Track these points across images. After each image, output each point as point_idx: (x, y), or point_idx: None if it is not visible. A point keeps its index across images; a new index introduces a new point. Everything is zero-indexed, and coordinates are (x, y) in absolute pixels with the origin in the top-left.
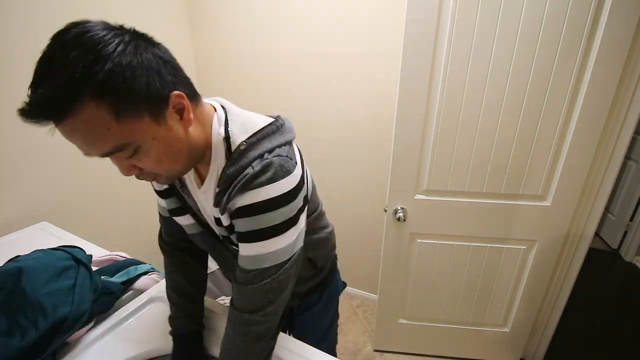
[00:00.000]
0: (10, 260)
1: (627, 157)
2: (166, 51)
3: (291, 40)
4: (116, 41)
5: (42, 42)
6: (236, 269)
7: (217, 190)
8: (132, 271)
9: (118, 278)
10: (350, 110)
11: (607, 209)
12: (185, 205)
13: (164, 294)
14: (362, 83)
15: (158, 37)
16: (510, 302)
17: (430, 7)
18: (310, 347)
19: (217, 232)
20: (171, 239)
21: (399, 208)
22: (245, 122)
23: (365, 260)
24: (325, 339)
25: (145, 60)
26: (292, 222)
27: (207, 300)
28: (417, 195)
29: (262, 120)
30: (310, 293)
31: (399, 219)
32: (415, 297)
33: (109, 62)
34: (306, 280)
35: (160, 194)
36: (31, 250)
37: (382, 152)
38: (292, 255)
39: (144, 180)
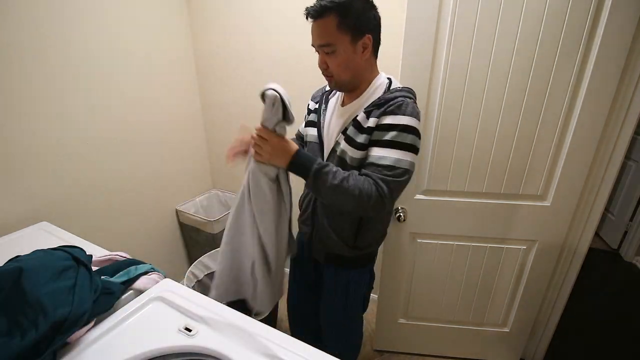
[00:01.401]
0: (10, 260)
1: (627, 157)
2: (378, 16)
3: (291, 40)
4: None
5: (43, 42)
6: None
7: (368, 107)
8: (132, 271)
9: (118, 278)
10: None
11: (607, 209)
12: (318, 122)
13: (164, 294)
14: None
15: (158, 36)
16: (510, 302)
17: (430, 7)
18: (311, 347)
19: (329, 144)
20: None
21: (399, 208)
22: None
23: None
24: (344, 322)
25: (366, 12)
26: (414, 149)
27: (211, 302)
28: (417, 195)
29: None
30: (339, 262)
31: (399, 219)
32: (415, 297)
33: (356, 6)
34: (343, 244)
35: (309, 111)
36: (31, 250)
37: None
38: (401, 170)
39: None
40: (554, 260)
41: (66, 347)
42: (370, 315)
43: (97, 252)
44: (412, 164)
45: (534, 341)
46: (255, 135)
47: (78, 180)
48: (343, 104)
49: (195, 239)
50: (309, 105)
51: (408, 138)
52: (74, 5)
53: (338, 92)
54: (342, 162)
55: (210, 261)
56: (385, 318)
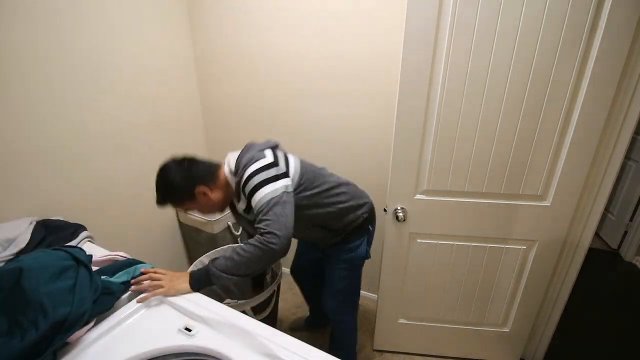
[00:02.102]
0: (10, 260)
1: (627, 157)
2: (196, 163)
3: (291, 40)
4: (177, 176)
5: (43, 43)
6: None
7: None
8: (132, 271)
9: (118, 278)
10: (350, 110)
11: (607, 209)
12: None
13: None
14: (362, 82)
15: (158, 37)
16: (510, 302)
17: (430, 7)
18: (310, 347)
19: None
20: None
21: (398, 208)
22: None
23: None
24: (342, 292)
25: (184, 179)
26: (263, 184)
27: (211, 302)
28: (417, 195)
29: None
30: (333, 245)
31: (398, 219)
32: (415, 297)
33: (170, 192)
34: (325, 238)
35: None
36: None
37: (382, 152)
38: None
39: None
40: (554, 260)
41: (66, 347)
42: (370, 315)
43: (97, 252)
44: (274, 191)
45: (534, 341)
46: (150, 275)
47: (78, 180)
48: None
49: (195, 239)
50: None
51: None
52: (74, 5)
53: None
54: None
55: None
56: (385, 318)
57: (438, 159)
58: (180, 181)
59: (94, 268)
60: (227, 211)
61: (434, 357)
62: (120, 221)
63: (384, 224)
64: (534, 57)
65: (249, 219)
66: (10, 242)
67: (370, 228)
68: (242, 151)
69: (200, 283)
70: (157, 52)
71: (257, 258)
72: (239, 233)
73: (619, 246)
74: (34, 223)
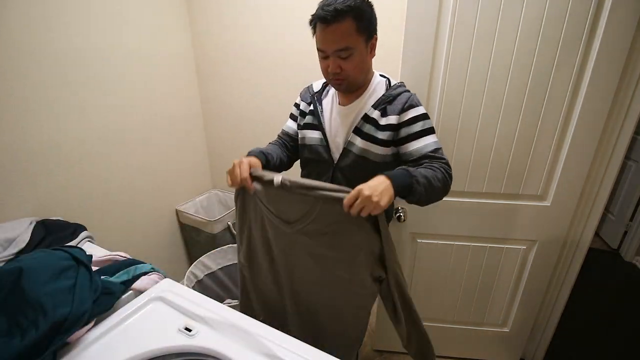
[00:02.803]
0: (10, 260)
1: (627, 157)
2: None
3: (291, 39)
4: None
5: (43, 42)
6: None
7: (376, 104)
8: (132, 271)
9: (118, 278)
10: None
11: (607, 209)
12: (319, 124)
13: (164, 294)
14: None
15: (158, 36)
16: (510, 302)
17: (430, 7)
18: (311, 347)
19: (337, 144)
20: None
21: (399, 208)
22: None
23: None
24: None
25: (373, 14)
26: (434, 130)
27: (210, 302)
28: None
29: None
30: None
31: (399, 219)
32: (415, 297)
33: (367, 9)
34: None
35: (303, 113)
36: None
37: None
38: (441, 148)
39: (337, 78)
40: (553, 260)
41: (66, 347)
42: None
43: (97, 252)
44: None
45: (534, 341)
46: (361, 194)
47: (78, 180)
48: (342, 104)
49: (195, 239)
50: (299, 105)
51: (430, 123)
52: (74, 5)
53: (331, 92)
54: (363, 160)
55: (210, 261)
56: (385, 318)
57: None
58: (370, 10)
59: (94, 268)
60: (226, 211)
61: None
62: (120, 221)
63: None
64: (534, 57)
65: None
66: (10, 242)
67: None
68: (402, 84)
69: (403, 193)
70: (157, 52)
71: (442, 189)
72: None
73: (619, 246)
74: (34, 223)
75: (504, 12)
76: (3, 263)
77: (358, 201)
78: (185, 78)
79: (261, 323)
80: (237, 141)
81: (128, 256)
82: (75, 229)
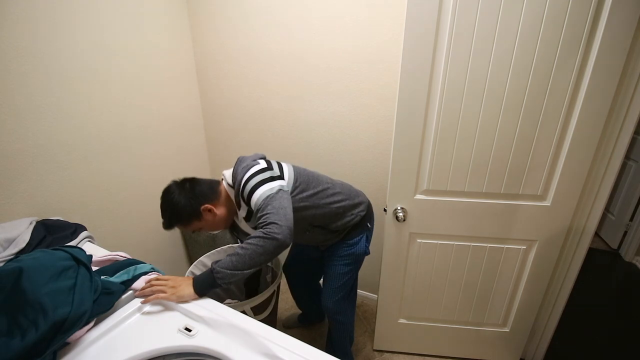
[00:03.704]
0: (10, 260)
1: (627, 157)
2: (198, 183)
3: (291, 39)
4: (181, 199)
5: (42, 43)
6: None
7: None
8: (132, 271)
9: (118, 278)
10: (350, 110)
11: (607, 209)
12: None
13: None
14: (363, 82)
15: (158, 37)
16: (510, 302)
17: (430, 7)
18: (310, 347)
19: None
20: None
21: (398, 208)
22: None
23: (365, 260)
24: (342, 288)
25: (189, 200)
26: (260, 185)
27: (210, 302)
28: (417, 195)
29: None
30: (336, 244)
31: (398, 219)
32: (415, 297)
33: (176, 216)
34: (325, 239)
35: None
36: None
37: (382, 151)
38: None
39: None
40: (554, 260)
41: (66, 347)
42: (370, 315)
43: (97, 252)
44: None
45: (534, 341)
46: (152, 282)
47: (78, 180)
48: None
49: (195, 239)
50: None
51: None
52: (74, 6)
53: None
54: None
55: (210, 261)
56: (385, 318)
57: (438, 159)
58: (186, 203)
59: (94, 268)
60: None
61: (434, 357)
62: (120, 221)
63: (384, 224)
64: (534, 57)
65: (246, 232)
66: (10, 242)
67: (369, 225)
68: (235, 165)
69: (205, 285)
70: (157, 52)
71: (262, 249)
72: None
73: (619, 246)
74: (34, 223)
75: (504, 12)
76: (3, 263)
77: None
78: (186, 78)
79: (261, 323)
80: (237, 141)
81: (128, 256)
82: (75, 229)
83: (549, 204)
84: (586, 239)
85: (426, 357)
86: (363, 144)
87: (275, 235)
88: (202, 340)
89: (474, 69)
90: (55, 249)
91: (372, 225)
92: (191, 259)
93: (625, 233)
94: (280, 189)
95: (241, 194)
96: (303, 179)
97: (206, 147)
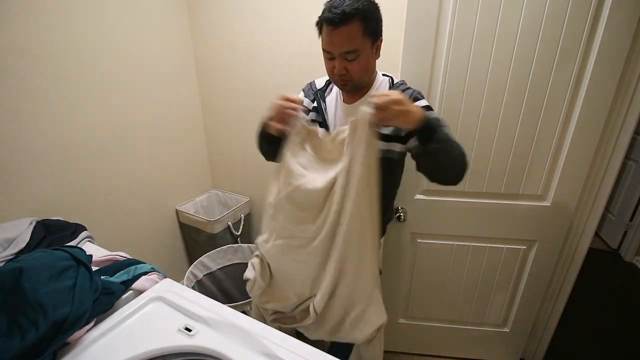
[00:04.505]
0: (10, 260)
1: (627, 157)
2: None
3: (292, 40)
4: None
5: (44, 44)
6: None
7: None
8: (132, 271)
9: (118, 278)
10: None
11: (607, 209)
12: (323, 121)
13: (164, 294)
14: None
15: (159, 38)
16: (510, 302)
17: (430, 8)
18: (310, 347)
19: None
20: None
21: (399, 208)
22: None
23: None
24: None
25: (380, 16)
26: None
27: (210, 302)
28: (417, 195)
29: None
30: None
31: (399, 219)
32: (415, 297)
33: (374, 11)
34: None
35: (306, 110)
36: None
37: None
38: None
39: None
40: (554, 260)
41: (66, 347)
42: None
43: (97, 252)
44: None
45: (534, 341)
46: (382, 98)
47: (78, 181)
48: (347, 102)
49: (195, 239)
50: (302, 101)
51: (435, 114)
52: (75, 7)
53: (335, 90)
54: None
55: (210, 261)
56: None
57: None
58: (376, 13)
59: (94, 268)
60: (227, 211)
61: (434, 357)
62: (120, 221)
63: None
64: (534, 57)
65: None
66: (10, 242)
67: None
68: (404, 82)
69: (432, 120)
70: (157, 53)
71: (460, 162)
72: (239, 233)
73: (619, 246)
74: (34, 223)
75: (504, 12)
76: (3, 263)
77: (387, 99)
78: (186, 78)
79: (261, 323)
80: (237, 141)
81: (128, 256)
82: (75, 229)
83: (549, 204)
84: (586, 239)
85: (426, 357)
86: None
87: (467, 163)
88: (202, 340)
89: (474, 69)
90: (55, 249)
91: None
92: (191, 259)
93: (625, 233)
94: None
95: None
96: None
97: (206, 147)
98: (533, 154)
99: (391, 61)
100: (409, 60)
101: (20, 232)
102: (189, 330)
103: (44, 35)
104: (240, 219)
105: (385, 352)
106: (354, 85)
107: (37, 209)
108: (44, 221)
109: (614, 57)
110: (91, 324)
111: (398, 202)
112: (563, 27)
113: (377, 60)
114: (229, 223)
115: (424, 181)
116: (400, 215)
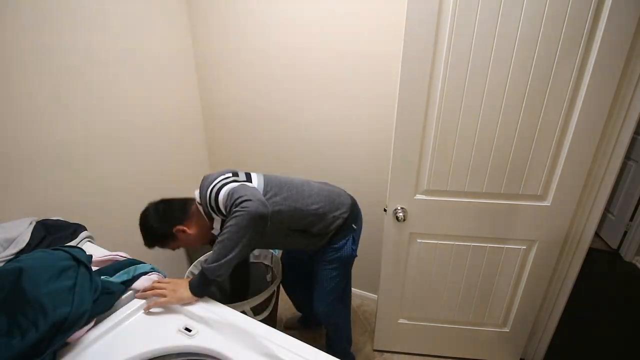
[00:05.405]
0: (10, 260)
1: (627, 157)
2: (170, 205)
3: (292, 40)
4: (154, 222)
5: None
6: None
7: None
8: (132, 271)
9: (118, 278)
10: (351, 110)
11: (607, 209)
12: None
13: None
14: (362, 82)
15: (158, 37)
16: (510, 302)
17: (430, 8)
18: (310, 347)
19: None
20: None
21: (398, 208)
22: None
23: (365, 260)
24: (332, 292)
25: (161, 223)
26: (224, 186)
27: (210, 302)
28: (417, 195)
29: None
30: (322, 249)
31: (398, 219)
32: (415, 297)
33: (154, 232)
34: (309, 244)
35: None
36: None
37: (382, 151)
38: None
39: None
40: (553, 260)
41: (66, 347)
42: (370, 315)
43: (97, 252)
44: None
45: (534, 341)
46: (153, 285)
47: (78, 180)
48: None
49: None
50: None
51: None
52: (74, 6)
53: None
54: None
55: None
56: (385, 318)
57: (438, 159)
58: (158, 226)
59: (94, 268)
60: None
61: (434, 357)
62: (121, 221)
63: (383, 224)
64: (534, 57)
65: None
66: (10, 242)
67: (354, 226)
68: (201, 182)
69: (199, 285)
70: (157, 52)
71: (237, 227)
72: None
73: (619, 246)
74: (34, 223)
75: (504, 12)
76: (3, 263)
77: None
78: (186, 78)
79: (261, 323)
80: (237, 141)
81: (128, 256)
82: (75, 229)
83: (549, 204)
84: (586, 239)
85: (426, 357)
86: (363, 143)
87: (246, 208)
88: (202, 340)
89: (474, 69)
90: (55, 249)
91: (359, 224)
92: (191, 259)
93: (625, 233)
94: (245, 184)
95: (209, 204)
96: (274, 184)
97: (206, 147)
98: (533, 154)
99: (391, 62)
100: (409, 60)
101: (20, 232)
102: (189, 330)
103: (43, 34)
104: None
105: (385, 352)
106: (200, 244)
107: (37, 209)
108: (43, 221)
109: (614, 57)
110: (91, 324)
111: (395, 203)
112: (563, 27)
113: (376, 59)
114: None
115: (424, 181)
116: (400, 215)
